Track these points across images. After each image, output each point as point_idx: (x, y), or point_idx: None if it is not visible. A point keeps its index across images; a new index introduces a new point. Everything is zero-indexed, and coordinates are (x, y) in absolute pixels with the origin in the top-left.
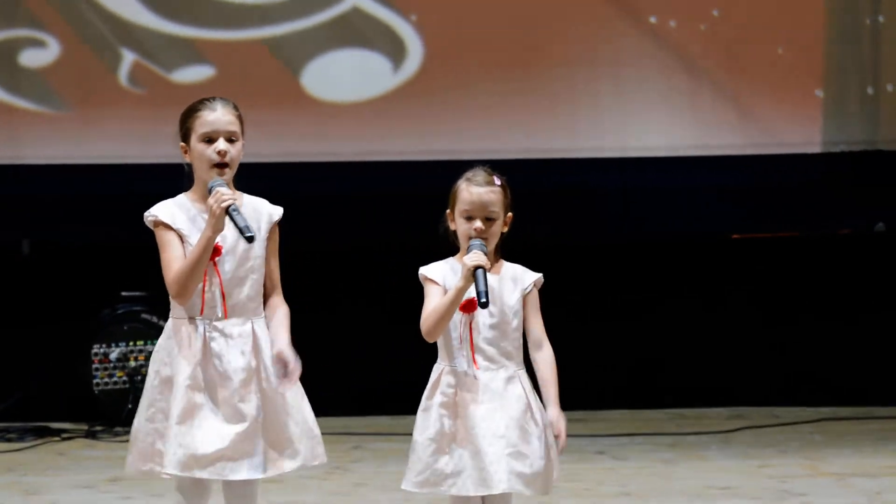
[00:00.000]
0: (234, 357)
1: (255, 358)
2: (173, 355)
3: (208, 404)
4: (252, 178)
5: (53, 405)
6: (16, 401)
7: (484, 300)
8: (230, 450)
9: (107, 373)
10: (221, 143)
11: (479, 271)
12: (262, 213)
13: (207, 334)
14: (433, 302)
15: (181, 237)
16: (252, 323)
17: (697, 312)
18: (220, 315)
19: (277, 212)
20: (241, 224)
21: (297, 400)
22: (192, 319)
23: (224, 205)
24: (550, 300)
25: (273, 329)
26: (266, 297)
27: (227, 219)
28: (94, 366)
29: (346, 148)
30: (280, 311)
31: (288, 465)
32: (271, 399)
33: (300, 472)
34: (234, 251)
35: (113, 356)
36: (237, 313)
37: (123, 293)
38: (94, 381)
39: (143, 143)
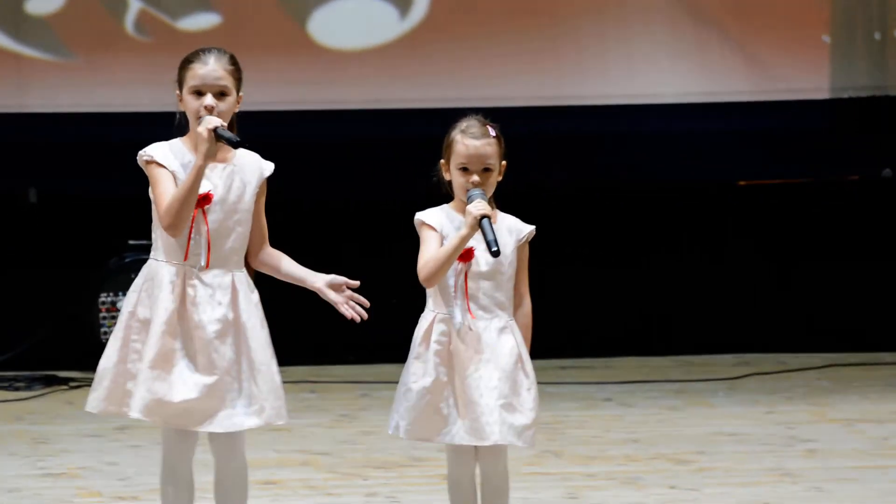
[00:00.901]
0: (213, 307)
1: (233, 311)
2: (153, 297)
3: (182, 352)
4: (258, 126)
5: (61, 354)
6: (23, 349)
7: (495, 248)
8: (199, 401)
9: (114, 321)
10: (209, 99)
11: (485, 220)
12: (254, 167)
13: (188, 281)
14: (431, 248)
15: (174, 177)
16: (233, 276)
17: (704, 259)
18: (202, 264)
19: (268, 167)
20: (228, 136)
21: (266, 357)
22: (174, 265)
23: (210, 125)
24: (557, 247)
25: (293, 269)
26: (257, 250)
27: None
28: (101, 314)
29: (352, 95)
30: (277, 254)
31: (252, 422)
32: (246, 353)
33: (308, 421)
34: (224, 201)
35: (120, 305)
36: (219, 264)
37: (131, 241)
38: (102, 329)
39: (149, 91)
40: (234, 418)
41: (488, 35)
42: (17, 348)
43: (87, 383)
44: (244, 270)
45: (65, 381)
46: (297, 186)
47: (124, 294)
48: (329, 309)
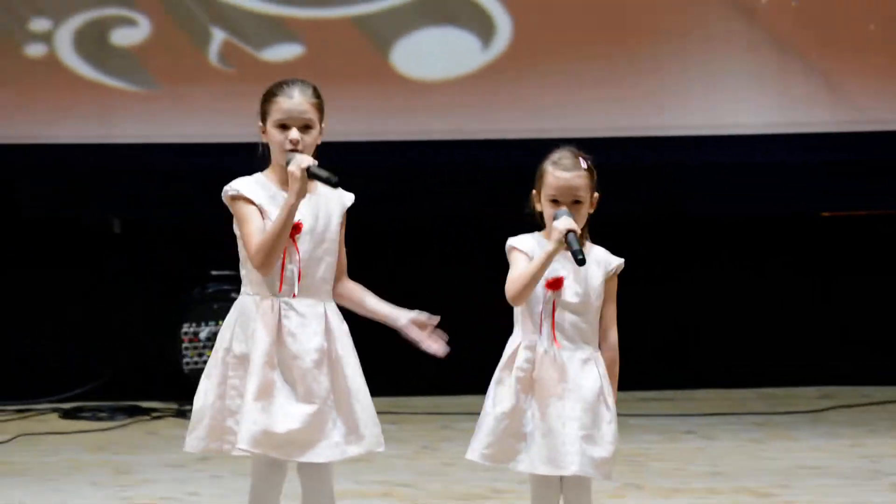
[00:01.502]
0: (308, 337)
1: (327, 341)
2: (248, 332)
3: (282, 383)
4: (341, 156)
5: (143, 384)
6: (106, 379)
7: (581, 257)
8: (302, 431)
9: (196, 352)
10: (294, 133)
11: (571, 234)
12: (335, 198)
13: (282, 313)
14: (520, 269)
15: (261, 212)
16: (325, 305)
17: (787, 290)
18: (295, 294)
19: (349, 198)
20: (324, 175)
21: (362, 384)
22: (267, 297)
23: (304, 165)
24: (639, 279)
25: (375, 305)
26: (337, 283)
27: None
28: (183, 345)
29: (435, 125)
30: (357, 286)
31: (354, 451)
32: (339, 383)
33: (390, 452)
34: (313, 231)
35: (202, 335)
36: (311, 294)
37: (213, 272)
38: (184, 360)
39: (231, 121)
40: (336, 447)
41: (570, 65)
42: (100, 378)
43: (169, 413)
44: (333, 301)
45: (147, 411)
46: (378, 216)
47: (206, 324)
48: (408, 340)
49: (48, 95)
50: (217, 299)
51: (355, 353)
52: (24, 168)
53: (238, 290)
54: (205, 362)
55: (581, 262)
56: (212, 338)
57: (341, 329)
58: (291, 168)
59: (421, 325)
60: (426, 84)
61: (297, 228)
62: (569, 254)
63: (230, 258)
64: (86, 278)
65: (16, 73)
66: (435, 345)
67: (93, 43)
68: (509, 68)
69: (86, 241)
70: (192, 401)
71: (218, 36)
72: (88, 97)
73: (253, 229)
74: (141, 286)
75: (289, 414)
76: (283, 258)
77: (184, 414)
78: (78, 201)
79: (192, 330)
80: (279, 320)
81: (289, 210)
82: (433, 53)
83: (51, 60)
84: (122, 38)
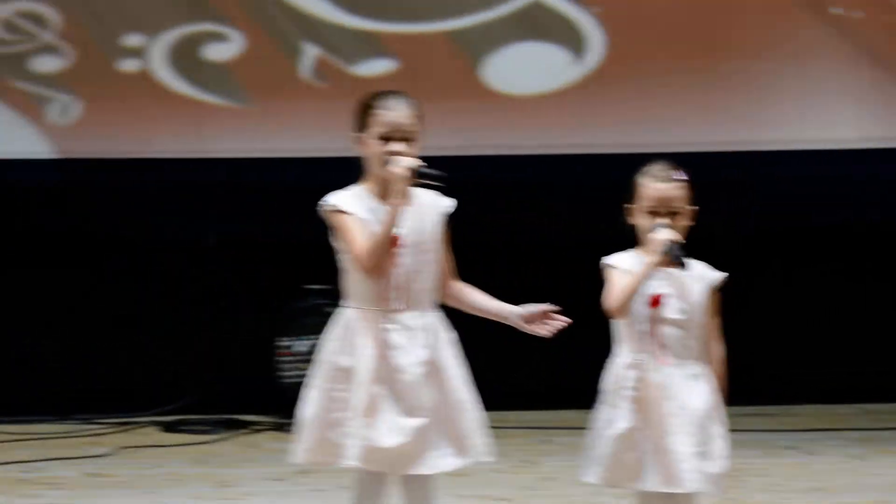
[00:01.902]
0: (413, 350)
1: (432, 352)
2: (354, 345)
3: (389, 397)
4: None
5: (242, 398)
6: (206, 393)
7: (682, 261)
8: (411, 444)
9: (293, 365)
10: (399, 146)
11: (671, 243)
12: (433, 205)
13: (386, 326)
14: (619, 284)
15: (362, 223)
16: (429, 315)
17: (891, 304)
18: (398, 307)
19: (448, 203)
20: (434, 174)
21: (469, 395)
22: (371, 310)
23: (411, 165)
24: (742, 294)
25: (486, 302)
26: (446, 285)
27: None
28: (280, 359)
29: (527, 140)
30: (468, 289)
31: (461, 461)
32: (448, 394)
33: (489, 466)
34: (413, 244)
35: (299, 349)
36: (415, 305)
37: (306, 286)
38: (281, 373)
39: (324, 135)
40: (445, 458)
41: (662, 80)
42: (200, 392)
43: (268, 427)
44: (438, 310)
45: (246, 424)
46: (468, 231)
47: (301, 338)
48: (509, 354)
49: (142, 111)
50: (312, 313)
51: (462, 363)
52: (116, 184)
53: (333, 304)
54: (301, 376)
55: (681, 265)
56: (308, 351)
57: (447, 339)
58: (395, 169)
59: (534, 318)
60: (518, 99)
61: (396, 243)
62: (670, 270)
63: (323, 272)
64: (181, 293)
65: (110, 88)
66: (543, 329)
67: (186, 59)
68: (601, 83)
69: (181, 254)
70: (290, 414)
71: (310, 51)
72: (183, 112)
73: (357, 236)
74: (237, 300)
75: (395, 428)
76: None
77: (282, 427)
78: (174, 216)
79: (288, 344)
80: (384, 333)
81: (393, 213)
82: (525, 68)
83: (144, 76)
84: (216, 53)
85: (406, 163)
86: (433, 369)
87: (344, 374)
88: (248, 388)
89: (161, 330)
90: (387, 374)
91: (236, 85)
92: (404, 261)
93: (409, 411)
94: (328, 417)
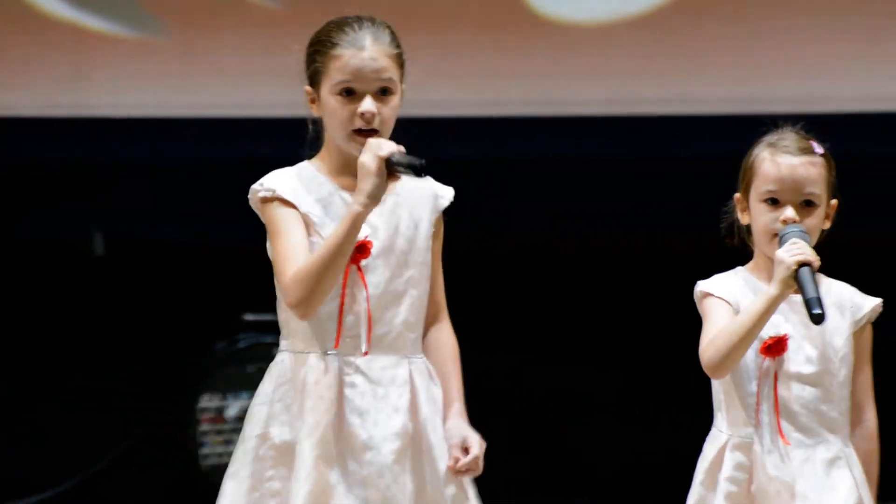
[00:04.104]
0: (385, 416)
1: (413, 418)
2: (293, 410)
3: (343, 486)
4: (445, 138)
5: (148, 482)
6: (95, 474)
7: (818, 310)
8: None
9: (221, 437)
10: (368, 103)
11: (805, 270)
12: (425, 195)
13: (344, 378)
14: (719, 322)
15: (307, 224)
16: (409, 363)
17: None
18: (363, 350)
19: (446, 193)
20: (415, 163)
21: (465, 488)
22: (320, 355)
23: (384, 153)
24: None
25: (442, 383)
26: (427, 326)
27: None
28: (201, 428)
29: (585, 92)
30: (447, 349)
31: None
32: (431, 483)
33: None
34: (390, 252)
35: (230, 413)
36: (388, 348)
37: (246, 317)
38: (202, 450)
39: (274, 85)
40: None
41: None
42: (88, 473)
43: None
44: (423, 355)
45: None
46: (490, 235)
47: (235, 396)
48: (549, 424)
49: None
50: (251, 359)
51: None
52: None
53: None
54: (230, 454)
55: (817, 318)
56: (242, 416)
57: (434, 398)
58: (365, 159)
59: (460, 447)
60: (576, 29)
61: (364, 250)
62: (797, 298)
63: (272, 295)
64: (49, 323)
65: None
66: (460, 475)
67: None
68: (690, 9)
69: (55, 266)
70: None
71: None
72: (60, 46)
73: (291, 246)
74: (139, 340)
75: None
76: (343, 296)
77: None
78: (43, 208)
79: (214, 405)
80: (339, 391)
81: (353, 220)
82: None
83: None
84: None
85: (377, 147)
86: (413, 446)
87: (279, 454)
88: (155, 472)
89: (21, 385)
90: (344, 452)
91: (139, 6)
92: (374, 279)
93: None
94: None
